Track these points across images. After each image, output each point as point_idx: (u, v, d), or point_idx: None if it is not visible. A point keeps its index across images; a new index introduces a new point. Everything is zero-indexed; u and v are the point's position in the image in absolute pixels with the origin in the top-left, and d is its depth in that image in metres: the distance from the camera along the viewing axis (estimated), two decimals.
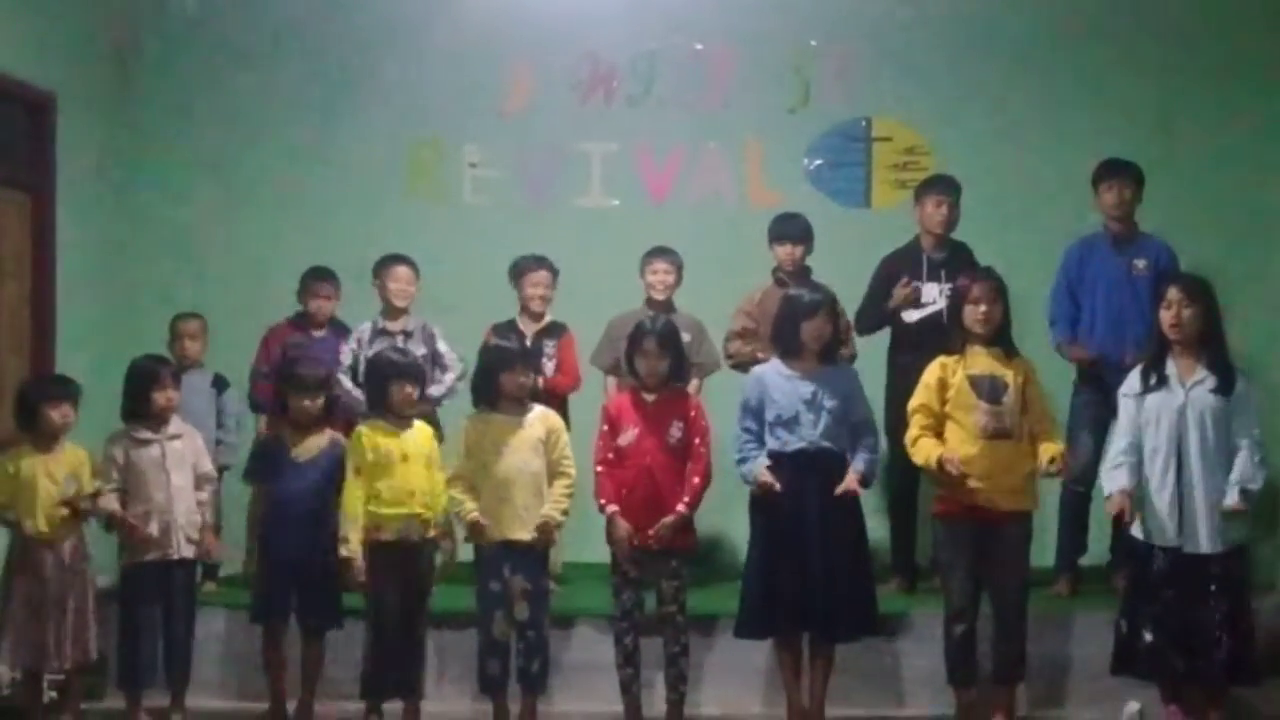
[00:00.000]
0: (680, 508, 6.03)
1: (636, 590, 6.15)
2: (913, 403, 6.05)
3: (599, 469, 6.16)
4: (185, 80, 8.47)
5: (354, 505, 6.12)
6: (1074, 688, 6.49)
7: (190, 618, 6.42)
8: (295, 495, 6.28)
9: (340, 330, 7.49)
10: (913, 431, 6.04)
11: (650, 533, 6.05)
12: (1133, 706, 6.15)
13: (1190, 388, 5.81)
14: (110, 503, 6.22)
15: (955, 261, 6.92)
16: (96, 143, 8.25)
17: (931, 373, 6.06)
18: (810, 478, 5.92)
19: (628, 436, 6.18)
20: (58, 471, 6.25)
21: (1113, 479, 5.87)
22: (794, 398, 6.01)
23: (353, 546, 6.10)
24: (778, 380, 6.06)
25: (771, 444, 6.01)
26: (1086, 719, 6.36)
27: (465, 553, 6.34)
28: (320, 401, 6.36)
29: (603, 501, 6.09)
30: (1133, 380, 5.92)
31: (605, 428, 6.22)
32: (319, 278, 7.53)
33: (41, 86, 7.66)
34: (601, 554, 6.60)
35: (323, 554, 6.24)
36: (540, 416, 6.26)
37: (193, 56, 8.44)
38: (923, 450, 5.96)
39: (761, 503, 6.01)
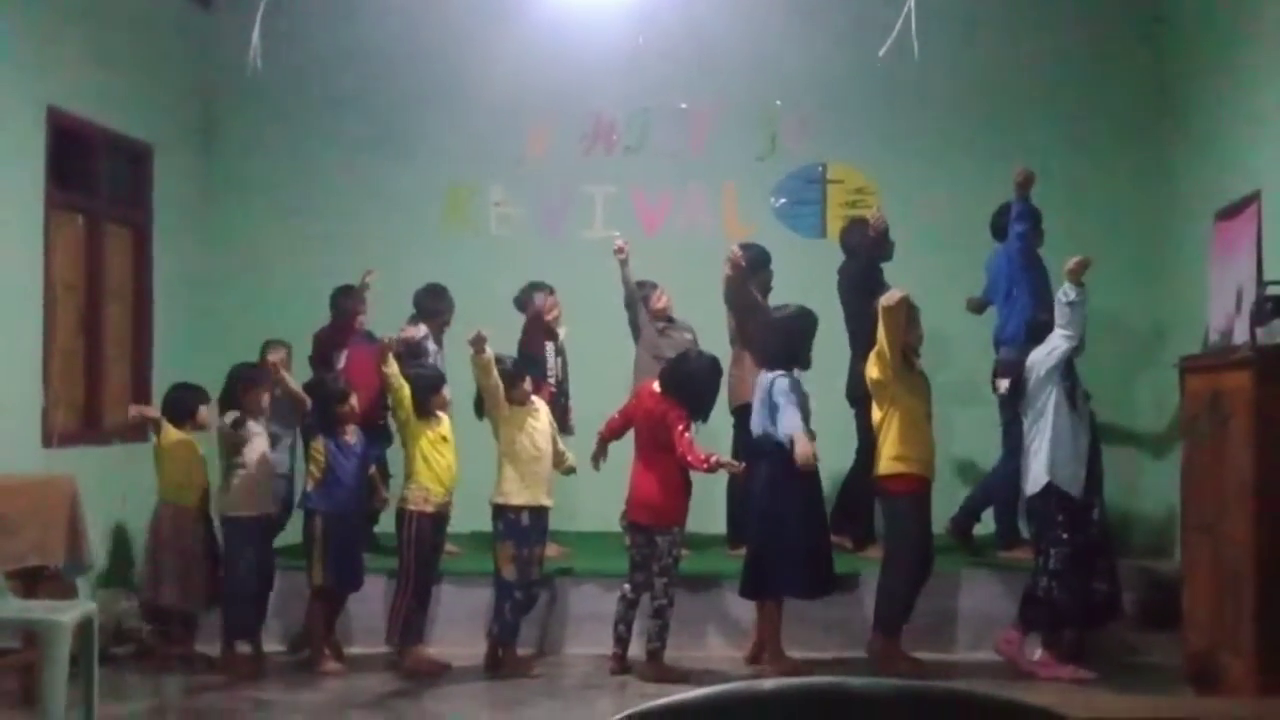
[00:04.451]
0: None
1: None
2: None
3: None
4: (259, 131, 9.41)
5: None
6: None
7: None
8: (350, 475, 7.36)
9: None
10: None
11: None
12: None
13: None
14: None
15: None
16: (186, 185, 9.18)
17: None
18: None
19: None
20: (200, 454, 7.42)
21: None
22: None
23: None
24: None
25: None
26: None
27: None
28: None
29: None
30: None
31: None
32: (359, 296, 8.31)
33: (143, 139, 8.65)
34: (592, 524, 7.89)
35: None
36: (541, 408, 7.24)
37: (266, 111, 9.34)
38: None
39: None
